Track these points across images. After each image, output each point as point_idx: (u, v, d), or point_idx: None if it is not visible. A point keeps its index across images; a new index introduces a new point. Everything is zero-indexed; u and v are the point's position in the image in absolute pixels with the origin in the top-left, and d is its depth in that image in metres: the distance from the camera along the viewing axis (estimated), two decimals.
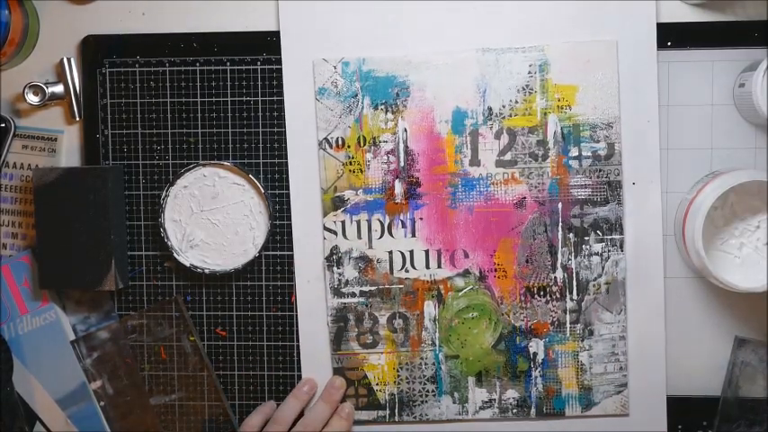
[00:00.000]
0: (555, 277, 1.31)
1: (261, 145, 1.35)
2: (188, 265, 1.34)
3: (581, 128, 1.29)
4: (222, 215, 1.35)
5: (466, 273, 1.33)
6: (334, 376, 1.35)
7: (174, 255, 1.34)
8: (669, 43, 1.30)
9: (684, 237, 1.26)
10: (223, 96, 1.35)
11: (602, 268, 1.30)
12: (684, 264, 1.32)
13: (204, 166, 1.34)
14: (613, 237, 1.30)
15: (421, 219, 1.32)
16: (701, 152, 1.32)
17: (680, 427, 1.33)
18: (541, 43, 1.29)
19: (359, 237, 1.33)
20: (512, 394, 1.33)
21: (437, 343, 1.34)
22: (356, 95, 1.32)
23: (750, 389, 1.32)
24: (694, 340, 1.33)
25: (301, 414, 1.35)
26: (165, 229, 1.34)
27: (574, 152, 1.30)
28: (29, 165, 1.38)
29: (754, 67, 1.24)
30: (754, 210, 1.29)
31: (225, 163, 1.33)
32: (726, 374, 1.33)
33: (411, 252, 1.33)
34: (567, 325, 1.32)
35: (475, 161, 1.31)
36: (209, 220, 1.35)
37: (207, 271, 1.34)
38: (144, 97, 1.36)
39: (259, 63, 1.35)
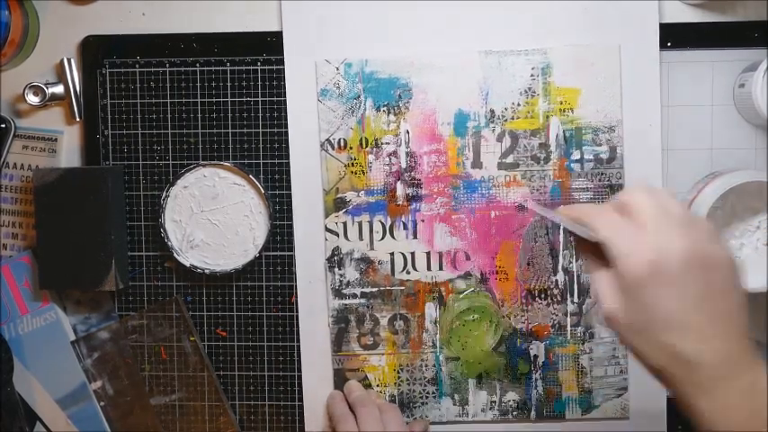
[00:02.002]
0: (556, 280, 1.32)
1: (261, 145, 1.35)
2: (188, 265, 1.34)
3: (583, 131, 1.29)
4: (222, 215, 1.35)
5: (467, 275, 1.33)
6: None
7: (175, 255, 1.34)
8: (669, 44, 1.30)
9: None
10: (223, 97, 1.35)
11: None
12: None
13: (204, 166, 1.33)
14: None
15: (422, 221, 1.32)
16: (700, 152, 1.32)
17: (680, 427, 1.33)
18: (544, 46, 1.29)
19: (360, 238, 1.33)
20: (512, 396, 1.33)
21: (438, 345, 1.34)
22: (358, 97, 1.31)
23: None
24: None
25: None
26: (165, 230, 1.34)
27: (576, 155, 1.30)
28: (29, 165, 1.38)
29: (754, 68, 1.24)
30: (754, 210, 1.29)
31: (225, 163, 1.33)
32: None
33: (412, 254, 1.33)
34: (568, 328, 1.32)
35: (477, 163, 1.31)
36: (210, 220, 1.35)
37: (207, 271, 1.34)
38: (144, 97, 1.36)
39: (259, 63, 1.34)
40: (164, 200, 1.34)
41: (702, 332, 0.88)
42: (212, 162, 1.34)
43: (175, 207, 1.35)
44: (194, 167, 1.34)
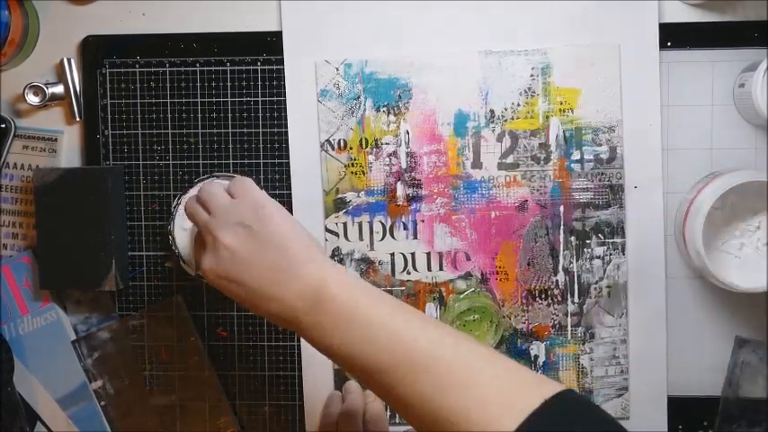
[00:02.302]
0: (556, 280, 1.31)
1: (261, 145, 1.35)
2: (193, 274, 1.33)
3: (583, 131, 1.29)
4: None
5: (467, 275, 1.33)
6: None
7: (181, 263, 1.32)
8: (669, 43, 1.30)
9: (685, 237, 1.26)
10: (223, 97, 1.35)
11: (604, 272, 1.30)
12: (685, 264, 1.32)
13: (218, 177, 1.32)
14: (615, 240, 1.30)
15: (423, 221, 1.32)
16: (700, 152, 1.31)
17: (680, 427, 1.33)
18: (544, 46, 1.29)
19: (360, 239, 1.33)
20: None
21: None
22: (358, 97, 1.31)
23: (750, 389, 1.32)
24: (694, 340, 1.33)
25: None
26: (173, 237, 1.32)
27: (576, 155, 1.30)
28: (29, 165, 1.38)
29: (754, 67, 1.24)
30: (754, 210, 1.29)
31: (236, 175, 1.32)
32: (726, 374, 1.33)
33: (413, 254, 1.33)
34: (569, 328, 1.32)
35: (477, 164, 1.31)
36: None
37: None
38: (144, 97, 1.36)
39: (259, 63, 1.34)
40: (174, 208, 1.32)
41: None
42: (227, 174, 1.32)
43: (186, 216, 1.34)
44: (208, 178, 1.32)
